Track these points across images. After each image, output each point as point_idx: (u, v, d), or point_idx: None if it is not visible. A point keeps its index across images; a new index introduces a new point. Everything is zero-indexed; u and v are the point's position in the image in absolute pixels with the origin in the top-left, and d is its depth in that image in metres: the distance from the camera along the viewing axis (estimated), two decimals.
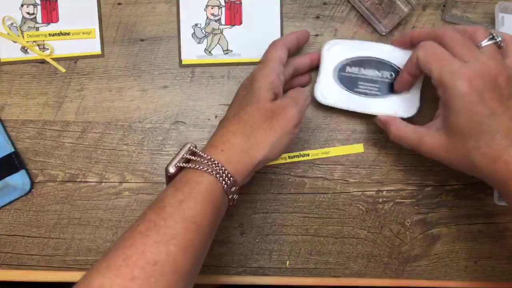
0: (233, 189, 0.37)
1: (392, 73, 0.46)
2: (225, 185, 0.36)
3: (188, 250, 0.33)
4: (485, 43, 0.39)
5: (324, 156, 0.49)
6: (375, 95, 0.46)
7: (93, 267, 0.32)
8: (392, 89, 0.46)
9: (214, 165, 0.36)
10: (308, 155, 0.49)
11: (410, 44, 0.44)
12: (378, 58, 0.46)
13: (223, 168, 0.36)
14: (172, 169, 0.37)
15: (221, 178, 0.36)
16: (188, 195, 0.35)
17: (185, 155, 0.38)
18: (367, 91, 0.46)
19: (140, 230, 0.33)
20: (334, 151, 0.49)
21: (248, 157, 0.38)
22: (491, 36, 0.39)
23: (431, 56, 0.39)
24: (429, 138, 0.41)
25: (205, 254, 0.37)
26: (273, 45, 0.44)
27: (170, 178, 0.38)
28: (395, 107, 0.46)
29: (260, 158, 0.38)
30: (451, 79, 0.38)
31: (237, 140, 0.38)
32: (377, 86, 0.46)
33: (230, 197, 0.38)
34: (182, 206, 0.34)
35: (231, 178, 0.37)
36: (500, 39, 0.40)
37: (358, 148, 0.49)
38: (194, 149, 0.38)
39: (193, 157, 0.37)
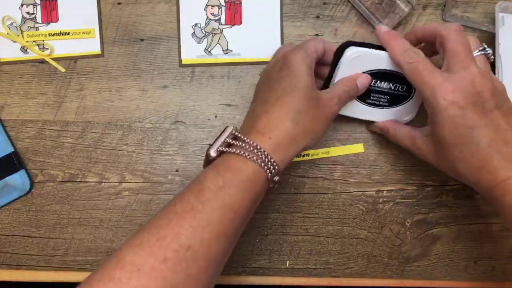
0: (276, 177, 0.36)
1: (404, 86, 0.45)
2: (269, 174, 0.35)
3: (221, 237, 0.33)
4: (475, 54, 0.39)
5: (324, 156, 0.49)
6: (383, 106, 0.46)
7: (126, 242, 0.32)
8: (400, 100, 0.46)
9: (260, 153, 0.35)
10: (308, 155, 0.49)
11: (416, 42, 0.44)
12: (394, 71, 0.44)
13: (269, 157, 0.35)
14: (213, 153, 0.36)
15: (266, 167, 0.35)
16: (229, 182, 0.34)
17: (227, 139, 0.37)
18: (376, 102, 0.46)
19: (176, 211, 0.33)
20: (335, 151, 0.49)
21: (295, 145, 0.37)
22: (481, 48, 0.40)
23: (414, 69, 0.39)
24: (421, 142, 0.42)
25: (236, 241, 0.36)
26: (314, 38, 0.43)
27: (209, 161, 0.37)
28: (397, 114, 0.46)
29: (304, 145, 0.38)
30: (432, 94, 0.38)
31: (286, 126, 0.37)
32: (387, 97, 0.46)
33: (271, 185, 0.37)
34: (221, 192, 0.33)
35: (276, 167, 0.36)
36: (490, 51, 0.40)
37: (358, 148, 0.49)
38: (236, 133, 0.37)
39: (236, 142, 0.36)
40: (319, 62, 0.43)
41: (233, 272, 0.49)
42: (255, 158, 0.35)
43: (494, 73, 0.47)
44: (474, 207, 0.50)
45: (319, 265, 0.50)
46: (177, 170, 0.49)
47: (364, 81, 0.43)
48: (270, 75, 0.41)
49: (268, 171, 0.35)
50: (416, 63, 0.39)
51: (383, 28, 0.42)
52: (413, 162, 0.49)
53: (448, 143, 0.38)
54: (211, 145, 0.37)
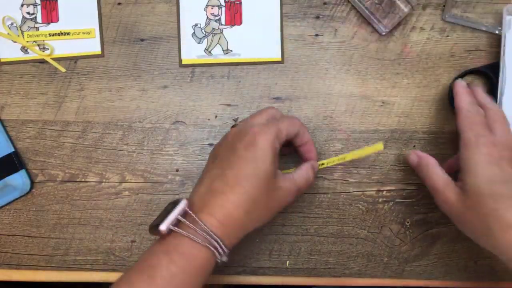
0: (224, 258, 0.37)
1: None
2: (219, 256, 0.37)
3: None
4: None
5: (340, 161, 0.46)
6: None
7: None
8: None
9: (213, 240, 0.36)
10: (323, 164, 0.46)
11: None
12: None
13: (221, 244, 0.36)
14: (164, 229, 0.35)
15: (217, 252, 0.36)
16: (182, 269, 0.35)
17: (178, 215, 0.36)
18: None
19: None
20: (351, 155, 0.46)
21: (244, 231, 0.39)
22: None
23: (469, 117, 0.42)
24: (452, 188, 0.41)
25: None
26: (291, 119, 0.42)
27: (156, 233, 0.37)
28: None
29: (252, 229, 0.39)
30: (475, 142, 0.40)
31: (239, 216, 0.37)
32: None
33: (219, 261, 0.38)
34: (175, 280, 0.34)
35: (226, 250, 0.37)
36: None
37: (378, 147, 0.44)
38: (188, 209, 0.37)
39: (186, 221, 0.36)
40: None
41: (233, 272, 0.49)
42: (207, 244, 0.35)
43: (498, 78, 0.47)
44: None
45: (319, 265, 0.50)
46: (177, 170, 0.49)
47: (316, 168, 0.45)
48: (235, 145, 0.39)
49: (219, 254, 0.36)
50: (473, 114, 0.42)
51: (461, 82, 0.45)
52: None
53: (482, 193, 0.38)
54: (161, 219, 0.36)
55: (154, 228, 0.36)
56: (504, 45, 0.47)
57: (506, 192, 0.38)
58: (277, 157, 0.40)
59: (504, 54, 0.47)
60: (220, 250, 0.36)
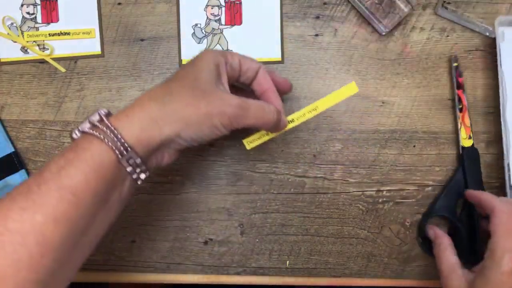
0: (132, 161, 0.33)
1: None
2: (120, 155, 0.32)
3: (61, 222, 0.30)
4: None
5: (313, 114, 0.42)
6: None
7: None
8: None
9: (109, 131, 0.32)
10: (293, 120, 0.43)
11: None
12: None
13: (118, 136, 0.32)
14: (74, 135, 0.33)
15: (114, 147, 0.32)
16: (69, 162, 0.31)
17: (90, 118, 0.33)
18: None
19: (11, 194, 0.30)
20: (323, 103, 0.42)
21: (156, 128, 0.33)
22: None
23: (508, 225, 0.39)
24: (455, 276, 0.41)
25: (96, 228, 0.33)
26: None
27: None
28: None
29: (168, 133, 0.33)
30: (502, 251, 0.38)
31: (149, 105, 0.33)
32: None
33: (129, 170, 0.33)
34: (60, 173, 0.30)
35: (128, 148, 0.32)
36: None
37: (351, 88, 0.41)
38: (103, 115, 0.34)
39: (97, 123, 0.33)
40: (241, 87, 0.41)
41: (233, 272, 0.49)
42: (102, 136, 0.32)
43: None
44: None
45: (319, 265, 0.50)
46: (177, 170, 0.49)
47: (284, 122, 0.40)
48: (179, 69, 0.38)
49: (117, 151, 0.32)
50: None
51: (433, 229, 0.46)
52: (413, 162, 0.49)
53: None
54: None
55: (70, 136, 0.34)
56: (500, 57, 0.47)
57: None
58: (218, 72, 0.36)
59: (500, 66, 0.47)
60: (119, 144, 0.32)
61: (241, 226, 0.49)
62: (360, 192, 0.50)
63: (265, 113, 0.37)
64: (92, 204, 0.31)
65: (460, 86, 0.48)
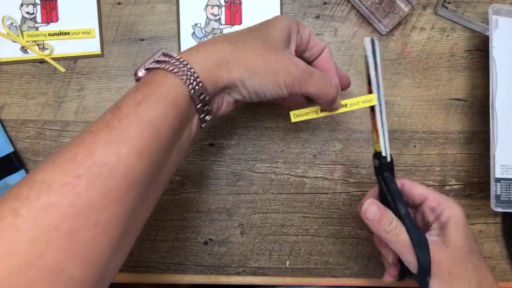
0: (202, 97, 0.33)
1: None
2: (192, 90, 0.32)
3: (144, 155, 0.30)
4: None
5: (365, 105, 0.41)
6: None
7: (39, 165, 0.29)
8: None
9: (182, 65, 0.32)
10: (346, 105, 0.41)
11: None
12: None
13: (191, 70, 0.32)
14: (140, 73, 0.34)
15: (188, 81, 0.32)
16: (147, 96, 0.31)
17: (156, 57, 0.34)
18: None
19: (91, 130, 0.30)
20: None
21: (225, 69, 0.34)
22: None
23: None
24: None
25: (168, 166, 0.33)
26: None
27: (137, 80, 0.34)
28: None
29: (236, 76, 0.34)
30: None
31: (223, 45, 0.34)
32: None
33: (198, 106, 0.34)
34: (140, 106, 0.31)
35: (200, 83, 0.32)
36: None
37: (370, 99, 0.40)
38: (168, 52, 0.34)
39: (165, 59, 0.33)
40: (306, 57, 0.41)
41: (233, 272, 0.49)
42: (176, 70, 0.32)
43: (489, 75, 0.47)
44: (474, 207, 0.50)
45: (319, 265, 0.49)
46: (177, 170, 0.49)
47: (338, 104, 0.39)
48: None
49: (190, 86, 0.32)
50: None
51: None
52: (413, 162, 0.49)
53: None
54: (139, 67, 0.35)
55: (135, 78, 0.35)
56: (493, 46, 0.46)
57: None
58: (290, 36, 0.37)
59: (492, 54, 0.46)
60: (192, 79, 0.32)
61: (241, 226, 0.49)
62: (360, 192, 0.50)
63: (326, 85, 0.37)
64: (169, 138, 0.32)
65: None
